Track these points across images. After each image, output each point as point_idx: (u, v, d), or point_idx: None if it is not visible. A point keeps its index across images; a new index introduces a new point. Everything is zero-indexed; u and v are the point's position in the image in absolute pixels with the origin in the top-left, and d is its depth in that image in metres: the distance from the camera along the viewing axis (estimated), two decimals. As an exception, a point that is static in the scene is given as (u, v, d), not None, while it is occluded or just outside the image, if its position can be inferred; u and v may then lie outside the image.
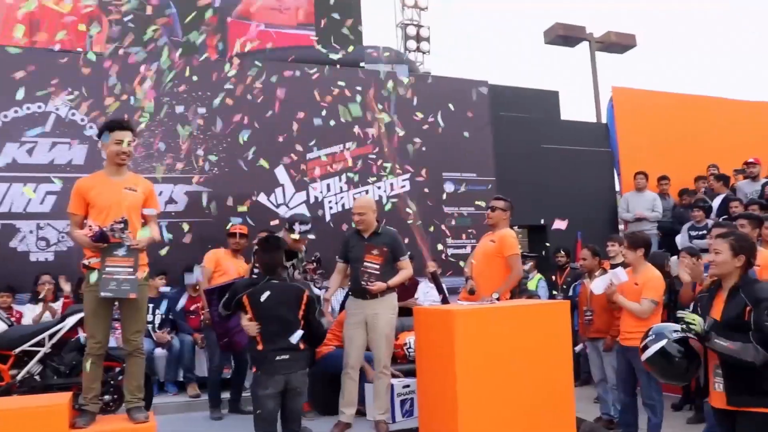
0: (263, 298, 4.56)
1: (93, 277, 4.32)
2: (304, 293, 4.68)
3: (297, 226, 5.66)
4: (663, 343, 3.62)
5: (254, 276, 5.42)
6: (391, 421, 5.60)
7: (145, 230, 4.49)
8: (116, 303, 4.46)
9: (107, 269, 4.27)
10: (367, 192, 9.11)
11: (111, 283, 4.27)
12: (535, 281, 9.25)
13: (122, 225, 4.30)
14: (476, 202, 9.11)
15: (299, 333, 4.54)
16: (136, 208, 4.54)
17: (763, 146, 11.00)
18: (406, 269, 5.67)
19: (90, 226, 4.29)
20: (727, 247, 3.57)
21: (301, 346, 4.57)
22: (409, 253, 5.88)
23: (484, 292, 5.52)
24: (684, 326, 3.49)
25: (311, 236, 5.88)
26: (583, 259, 6.48)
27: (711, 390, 3.58)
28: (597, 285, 5.65)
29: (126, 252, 4.32)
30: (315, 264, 5.73)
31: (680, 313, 3.59)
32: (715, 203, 9.36)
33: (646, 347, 3.71)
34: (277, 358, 4.47)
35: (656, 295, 5.35)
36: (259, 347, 4.54)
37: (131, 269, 4.34)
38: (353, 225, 5.78)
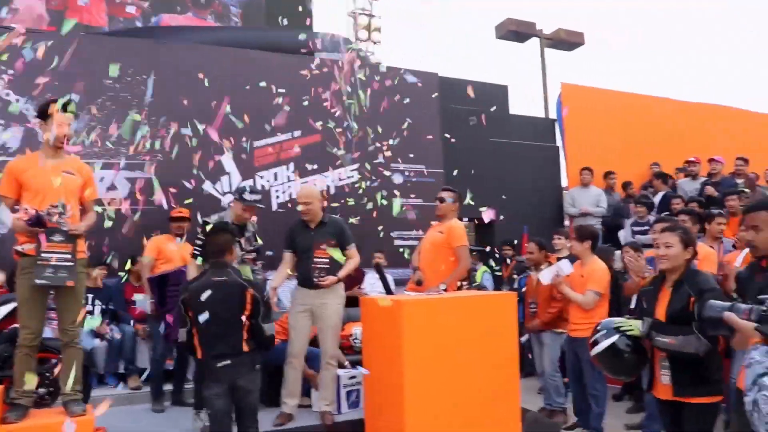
0: (203, 297, 4.13)
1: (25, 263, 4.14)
2: (247, 291, 4.22)
3: (248, 195, 5.44)
4: (614, 339, 3.62)
5: (197, 245, 5.18)
6: (336, 413, 5.56)
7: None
8: (52, 292, 4.29)
9: (43, 255, 4.09)
10: (315, 182, 9.02)
11: (47, 269, 4.09)
12: (480, 273, 9.32)
13: (60, 209, 4.13)
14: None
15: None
16: (74, 193, 4.36)
17: (704, 146, 11.32)
18: (353, 258, 5.60)
19: (26, 209, 4.09)
20: (677, 240, 3.62)
21: (245, 348, 4.18)
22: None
23: (432, 283, 5.51)
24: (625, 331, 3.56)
25: (261, 206, 5.72)
26: (530, 253, 6.55)
27: (656, 382, 3.64)
28: (544, 276, 5.74)
29: (63, 237, 4.15)
30: (255, 254, 5.52)
31: (617, 323, 3.65)
32: (656, 200, 9.59)
33: (596, 342, 3.71)
34: (219, 365, 4.11)
35: (600, 286, 5.45)
36: (198, 355, 4.24)
37: (69, 255, 4.17)
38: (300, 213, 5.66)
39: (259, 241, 5.65)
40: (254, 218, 5.65)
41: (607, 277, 5.55)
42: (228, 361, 4.12)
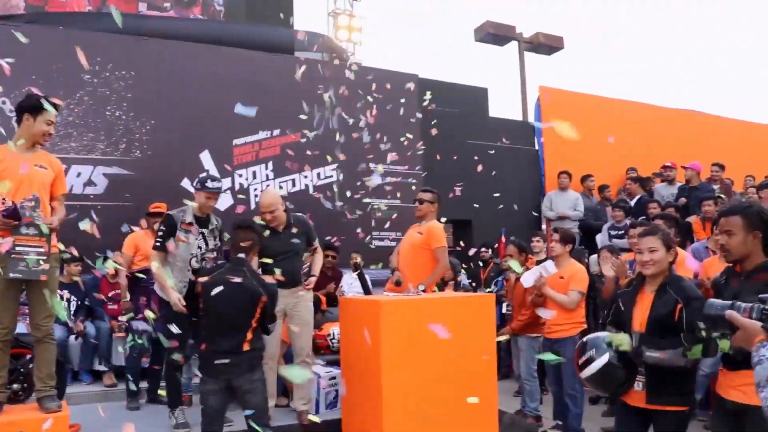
0: (214, 292, 4.25)
1: None
2: (261, 298, 4.31)
3: (210, 182, 5.30)
4: (608, 356, 3.49)
5: (158, 236, 5.15)
6: (314, 412, 5.55)
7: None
8: (24, 287, 4.25)
9: (16, 249, 4.05)
10: (293, 181, 9.02)
11: (20, 263, 4.05)
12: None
13: (33, 203, 4.09)
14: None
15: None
16: (46, 187, 4.33)
17: (681, 152, 11.48)
18: (320, 254, 5.84)
19: (3, 200, 4.04)
20: (660, 243, 3.58)
21: (245, 347, 4.25)
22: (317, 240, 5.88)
23: (411, 283, 5.52)
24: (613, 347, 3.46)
25: (223, 193, 5.71)
26: (509, 255, 6.59)
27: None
28: (527, 278, 5.77)
29: (37, 231, 4.12)
30: (215, 254, 5.42)
31: (607, 338, 3.52)
32: (632, 204, 9.73)
33: (590, 360, 3.54)
34: (216, 361, 4.20)
35: (582, 286, 5.56)
36: (201, 346, 4.36)
37: (42, 249, 4.13)
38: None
39: (226, 237, 5.53)
40: (218, 219, 5.57)
41: (587, 277, 5.64)
42: (226, 360, 4.20)
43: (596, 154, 11.51)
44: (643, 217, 8.60)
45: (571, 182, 10.70)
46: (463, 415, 4.64)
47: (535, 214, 11.07)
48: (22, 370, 4.99)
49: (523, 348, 6.21)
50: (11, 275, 4.04)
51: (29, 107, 4.27)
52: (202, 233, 5.30)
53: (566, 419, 5.66)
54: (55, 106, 4.34)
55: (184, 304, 4.94)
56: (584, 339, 3.73)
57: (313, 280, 5.54)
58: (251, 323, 4.29)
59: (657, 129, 12.35)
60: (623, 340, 3.45)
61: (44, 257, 4.14)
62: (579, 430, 5.58)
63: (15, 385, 4.90)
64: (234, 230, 4.58)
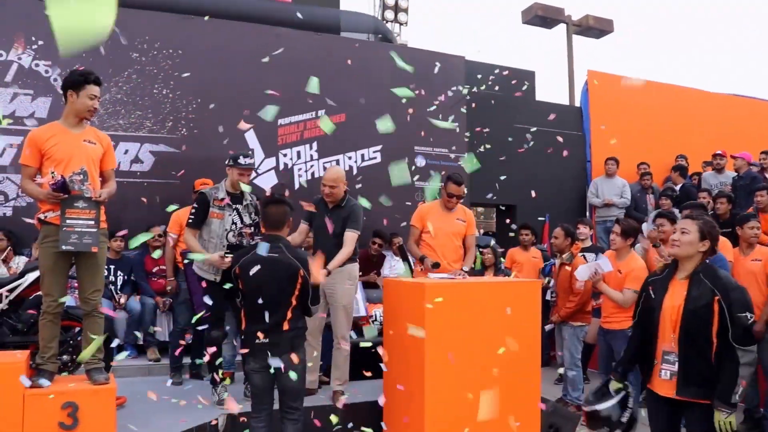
0: (252, 271, 4.16)
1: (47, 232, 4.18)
2: (299, 272, 4.21)
3: (242, 159, 5.36)
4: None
5: (191, 213, 5.21)
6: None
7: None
8: (73, 260, 4.31)
9: (67, 222, 4.12)
10: (337, 162, 9.00)
11: (71, 236, 4.12)
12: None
13: (81, 176, 4.15)
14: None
15: None
16: (96, 162, 4.39)
17: (732, 139, 11.15)
18: (346, 245, 5.41)
19: (52, 174, 4.10)
20: (695, 228, 3.50)
21: (285, 327, 4.19)
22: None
23: (455, 263, 5.62)
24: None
25: (254, 168, 5.67)
26: (555, 238, 6.46)
27: (655, 376, 3.53)
28: (582, 272, 5.66)
29: (87, 204, 4.18)
30: (252, 229, 5.42)
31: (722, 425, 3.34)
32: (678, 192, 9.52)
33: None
34: (257, 341, 4.16)
35: (639, 285, 5.36)
36: (243, 325, 4.33)
37: (92, 222, 4.20)
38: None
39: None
40: (253, 196, 5.56)
41: (645, 274, 5.48)
42: (266, 340, 4.14)
43: (645, 140, 11.25)
44: (686, 203, 8.41)
45: (618, 168, 10.47)
46: (506, 401, 4.58)
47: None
48: (71, 342, 5.10)
49: (567, 336, 6.13)
50: (63, 247, 4.12)
51: (72, 84, 4.31)
52: (237, 209, 5.33)
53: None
54: (97, 80, 4.35)
55: (228, 259, 4.83)
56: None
57: (323, 273, 4.88)
58: (291, 301, 4.22)
59: (708, 115, 12.01)
60: (732, 423, 3.31)
61: (94, 229, 4.20)
62: None
63: (65, 357, 5.02)
64: (264, 206, 4.49)
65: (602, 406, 3.68)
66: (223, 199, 5.27)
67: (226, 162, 5.42)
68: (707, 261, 3.54)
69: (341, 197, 5.54)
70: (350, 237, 5.41)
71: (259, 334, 4.15)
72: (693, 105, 12.05)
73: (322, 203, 5.58)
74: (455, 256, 5.84)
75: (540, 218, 10.04)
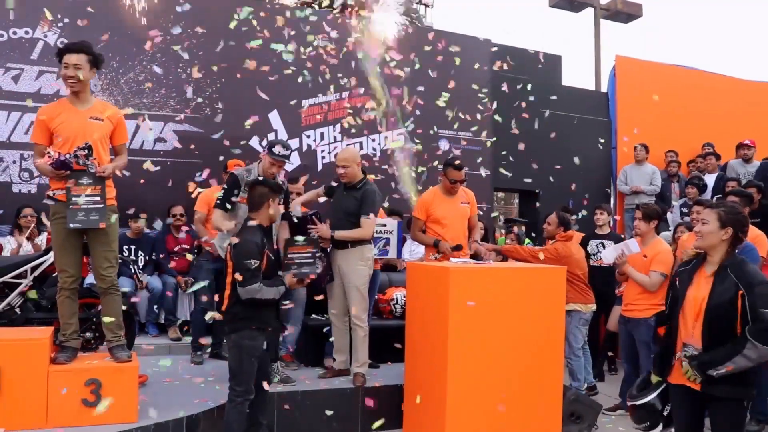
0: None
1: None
2: (228, 250, 4.41)
3: (277, 149, 5.31)
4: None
5: (220, 194, 5.24)
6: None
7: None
8: (85, 238, 4.31)
9: (73, 199, 4.13)
10: (360, 144, 8.94)
11: (78, 213, 4.13)
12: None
13: (86, 151, 4.13)
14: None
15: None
16: (104, 139, 4.36)
17: (762, 128, 10.93)
18: (361, 227, 5.39)
19: (49, 153, 4.11)
20: (715, 217, 3.38)
21: (223, 307, 4.36)
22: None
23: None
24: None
25: (289, 162, 5.65)
26: (548, 224, 6.39)
27: (677, 368, 3.44)
28: (608, 255, 5.58)
29: (91, 180, 4.18)
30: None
31: (687, 373, 3.40)
32: (710, 182, 9.35)
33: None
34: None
35: (665, 268, 5.30)
36: None
37: (98, 197, 4.20)
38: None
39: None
40: (284, 182, 5.56)
41: (671, 258, 5.39)
42: (219, 317, 4.40)
43: (672, 126, 11.05)
44: (719, 196, 8.27)
45: (648, 155, 10.28)
46: (528, 387, 4.55)
47: (607, 191, 10.76)
48: (94, 319, 5.12)
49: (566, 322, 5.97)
50: (71, 225, 4.13)
51: (94, 61, 4.30)
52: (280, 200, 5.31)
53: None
54: (73, 48, 4.28)
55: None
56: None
57: (323, 227, 5.32)
58: (227, 281, 4.31)
59: (738, 102, 11.76)
60: (688, 373, 3.37)
61: (101, 205, 4.20)
62: None
63: (88, 334, 5.05)
64: (248, 187, 4.63)
65: (645, 400, 3.66)
66: None
67: (264, 147, 5.40)
68: (737, 254, 3.42)
69: (358, 178, 5.51)
70: (366, 222, 5.39)
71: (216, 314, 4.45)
72: (723, 92, 11.79)
73: (343, 184, 5.58)
74: (465, 240, 5.98)
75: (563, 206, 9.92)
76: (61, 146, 4.18)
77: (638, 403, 3.68)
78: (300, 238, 4.59)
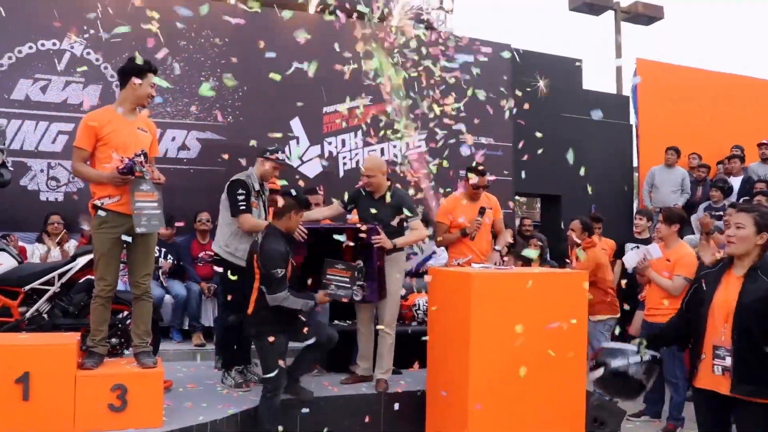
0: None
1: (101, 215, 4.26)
2: (254, 256, 4.64)
3: (280, 154, 5.48)
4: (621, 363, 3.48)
5: (241, 199, 5.26)
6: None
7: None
8: (124, 245, 4.37)
9: (137, 205, 4.19)
10: (381, 150, 8.97)
11: (142, 219, 4.20)
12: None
13: (142, 158, 4.20)
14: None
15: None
16: (147, 149, 4.43)
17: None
18: (417, 230, 5.51)
19: (120, 158, 4.15)
20: (751, 221, 3.31)
21: (249, 309, 4.66)
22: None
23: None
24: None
25: (289, 162, 5.76)
26: (571, 230, 6.38)
27: (704, 372, 3.38)
28: (630, 259, 5.57)
29: (149, 187, 4.26)
30: None
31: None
32: (736, 184, 9.25)
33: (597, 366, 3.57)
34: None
35: (689, 272, 5.26)
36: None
37: (156, 203, 4.29)
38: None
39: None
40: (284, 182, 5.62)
41: (695, 262, 5.35)
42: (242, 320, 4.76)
43: (696, 130, 10.95)
44: (746, 198, 8.20)
45: (678, 159, 10.16)
46: (551, 394, 4.53)
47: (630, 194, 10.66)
48: (120, 325, 5.19)
49: (588, 331, 5.93)
50: (138, 230, 4.18)
51: (136, 71, 4.35)
52: (263, 200, 5.47)
53: (655, 404, 5.48)
54: (156, 68, 4.47)
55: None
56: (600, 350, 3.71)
57: (388, 242, 5.22)
58: (253, 284, 4.61)
59: (762, 104, 11.62)
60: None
61: (158, 211, 4.30)
62: (679, 418, 5.38)
63: (113, 340, 5.11)
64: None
65: (616, 363, 3.49)
66: (258, 190, 5.37)
67: (261, 153, 5.46)
68: (766, 255, 3.37)
69: (384, 187, 5.51)
70: (418, 224, 5.51)
71: None
72: (745, 94, 11.66)
73: (366, 193, 5.56)
74: (488, 246, 6.07)
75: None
76: (108, 155, 4.21)
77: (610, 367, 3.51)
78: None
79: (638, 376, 3.47)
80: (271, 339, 4.54)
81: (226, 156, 6.70)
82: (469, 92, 7.50)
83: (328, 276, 4.92)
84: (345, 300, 4.99)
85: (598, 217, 8.10)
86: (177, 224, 7.16)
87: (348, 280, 4.94)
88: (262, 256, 4.52)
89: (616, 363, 3.50)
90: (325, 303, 5.19)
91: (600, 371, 3.53)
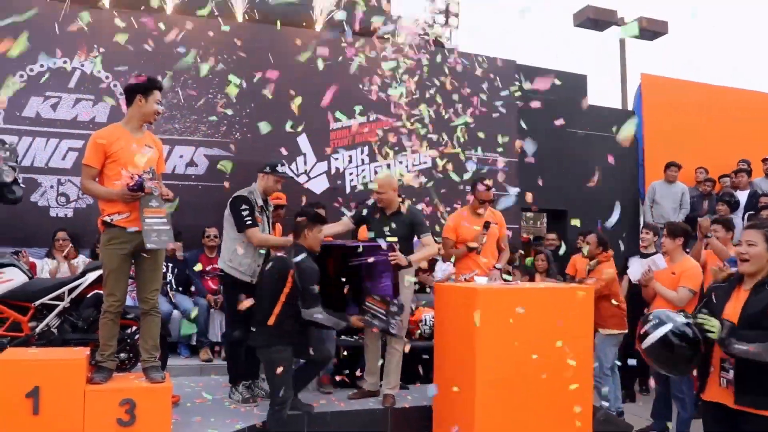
0: (266, 268, 5.12)
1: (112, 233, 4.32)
2: (289, 272, 4.77)
3: (280, 167, 5.58)
4: (665, 330, 3.32)
5: (246, 215, 5.35)
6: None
7: None
8: (133, 260, 4.42)
9: (147, 221, 4.24)
10: (388, 166, 9.01)
11: (152, 235, 4.24)
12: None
13: (151, 175, 4.25)
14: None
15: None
16: (155, 167, 4.49)
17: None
18: (428, 246, 5.55)
19: (131, 174, 4.20)
20: (762, 238, 3.33)
21: (270, 321, 4.74)
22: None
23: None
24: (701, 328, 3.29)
25: (291, 176, 5.86)
26: (587, 243, 6.41)
27: (712, 385, 3.40)
28: (634, 271, 5.58)
29: (158, 203, 4.31)
30: None
31: (700, 318, 3.33)
32: (742, 198, 9.25)
33: (646, 334, 3.40)
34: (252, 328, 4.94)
35: (694, 284, 5.28)
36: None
37: (165, 220, 4.34)
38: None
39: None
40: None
41: (700, 274, 5.37)
42: (253, 329, 4.86)
43: (701, 144, 10.97)
44: (752, 212, 8.20)
45: (679, 174, 10.17)
46: (557, 409, 4.54)
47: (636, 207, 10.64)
48: (128, 340, 5.24)
49: (597, 342, 5.96)
50: (148, 246, 4.23)
51: (141, 88, 4.41)
52: (267, 215, 5.57)
53: (663, 419, 5.46)
54: (162, 87, 4.56)
55: None
56: (649, 312, 3.59)
57: (400, 255, 5.21)
58: (279, 297, 4.74)
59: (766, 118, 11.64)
60: (715, 326, 3.24)
61: (167, 227, 4.35)
62: None
63: (122, 355, 5.16)
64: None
65: (662, 330, 3.34)
66: (261, 206, 5.46)
67: (264, 169, 5.55)
68: None
69: (396, 203, 5.57)
70: (429, 240, 5.55)
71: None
72: (751, 108, 11.68)
73: (379, 209, 5.61)
74: (494, 260, 6.13)
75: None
76: (117, 172, 4.26)
77: (653, 340, 3.37)
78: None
79: (680, 346, 3.34)
80: (279, 371, 4.66)
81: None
82: (480, 113, 7.60)
83: (366, 303, 5.10)
84: (376, 330, 5.22)
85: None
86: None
87: (384, 312, 5.07)
88: (300, 272, 4.71)
89: (663, 329, 3.37)
90: (358, 327, 5.39)
91: (647, 341, 3.41)
